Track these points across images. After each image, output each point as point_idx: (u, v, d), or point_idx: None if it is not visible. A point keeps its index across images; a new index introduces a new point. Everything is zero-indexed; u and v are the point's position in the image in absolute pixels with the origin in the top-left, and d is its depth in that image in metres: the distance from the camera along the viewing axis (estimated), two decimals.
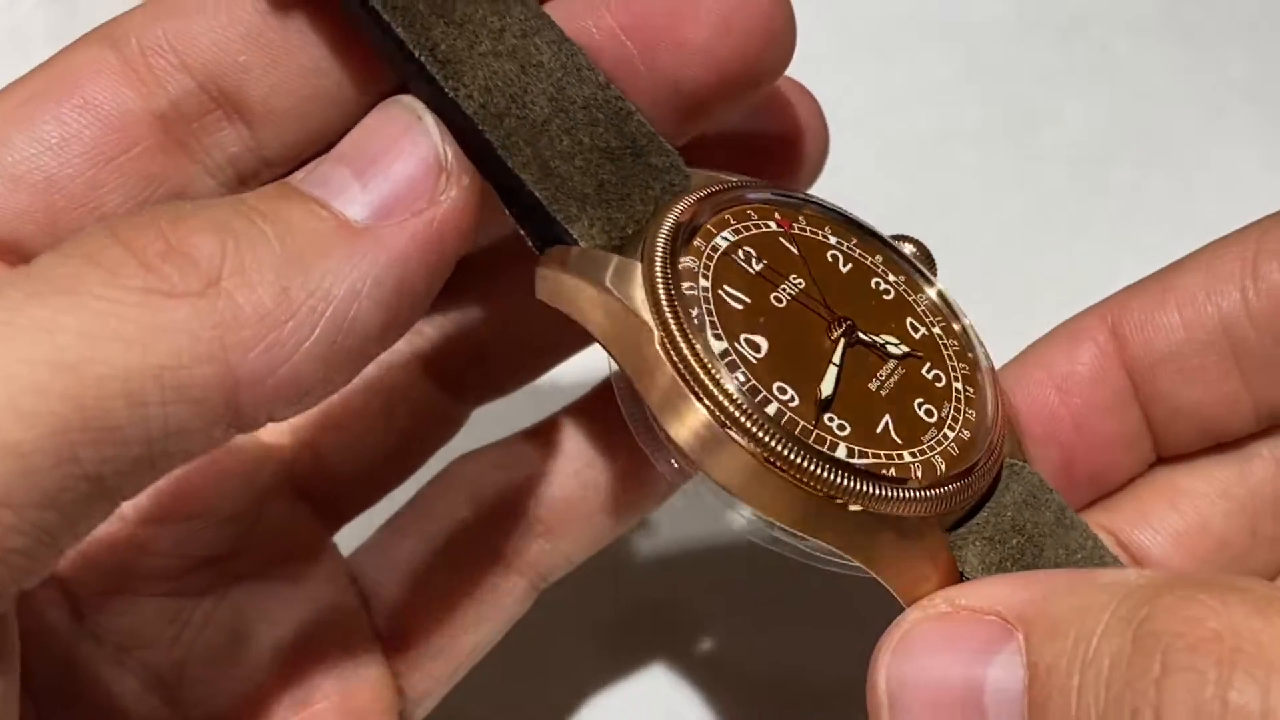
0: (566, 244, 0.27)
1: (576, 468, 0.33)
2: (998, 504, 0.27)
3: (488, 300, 0.34)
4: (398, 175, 0.25)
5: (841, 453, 0.25)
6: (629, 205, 0.27)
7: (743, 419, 0.24)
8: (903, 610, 0.26)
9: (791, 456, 0.24)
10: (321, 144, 0.28)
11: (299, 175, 0.26)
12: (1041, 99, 0.51)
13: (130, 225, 0.23)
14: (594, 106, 0.27)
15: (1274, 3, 0.52)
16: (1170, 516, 0.30)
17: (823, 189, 0.49)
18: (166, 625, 0.30)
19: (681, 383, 0.25)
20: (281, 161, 0.28)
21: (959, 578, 0.26)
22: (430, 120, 0.26)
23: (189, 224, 0.23)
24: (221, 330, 0.23)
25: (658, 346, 0.25)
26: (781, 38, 0.29)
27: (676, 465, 0.26)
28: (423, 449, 0.34)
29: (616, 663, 0.40)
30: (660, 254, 0.26)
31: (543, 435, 0.33)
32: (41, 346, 0.22)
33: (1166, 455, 0.31)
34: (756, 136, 0.32)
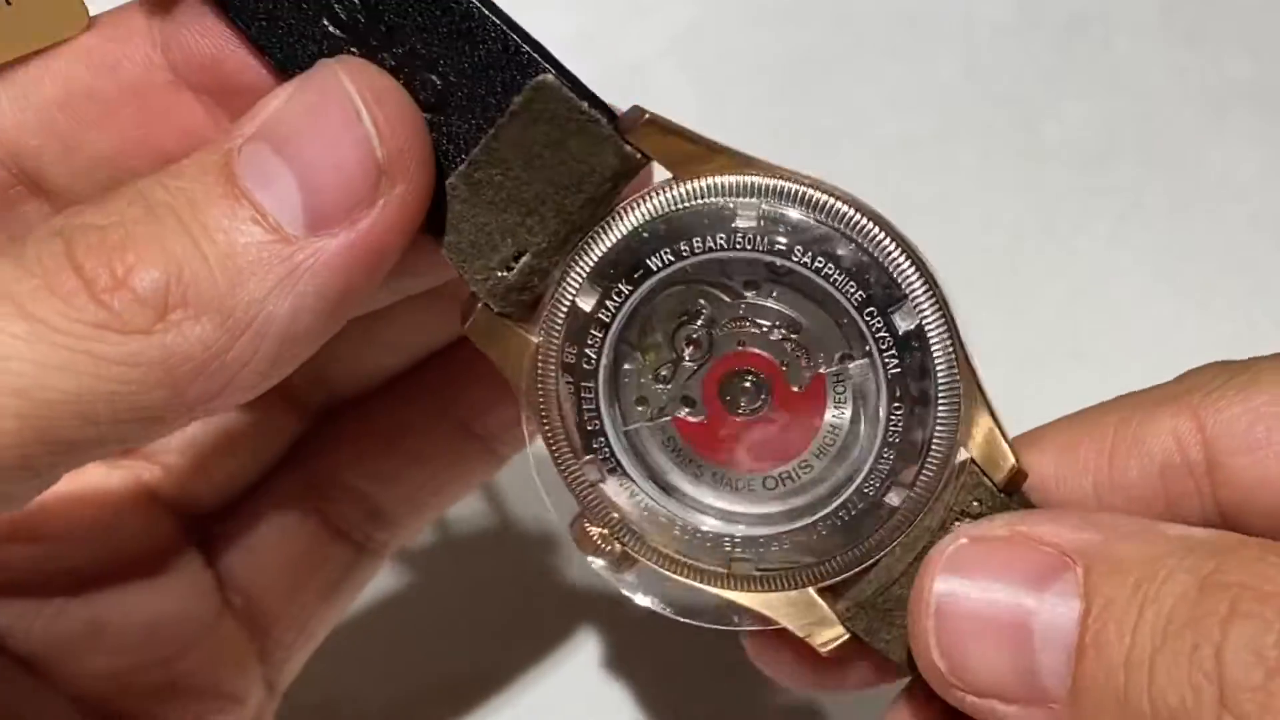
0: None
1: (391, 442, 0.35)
2: None
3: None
4: (333, 178, 0.25)
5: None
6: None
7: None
8: None
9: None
10: None
11: (235, 142, 0.25)
12: (1041, 99, 0.51)
13: (86, 246, 0.25)
14: None
15: (1274, 3, 0.52)
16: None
17: None
18: (21, 619, 0.32)
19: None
20: None
21: None
22: (361, 102, 0.26)
23: (137, 252, 0.24)
24: (169, 362, 0.24)
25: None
26: None
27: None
28: (269, 454, 0.36)
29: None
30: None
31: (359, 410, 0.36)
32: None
33: None
34: None
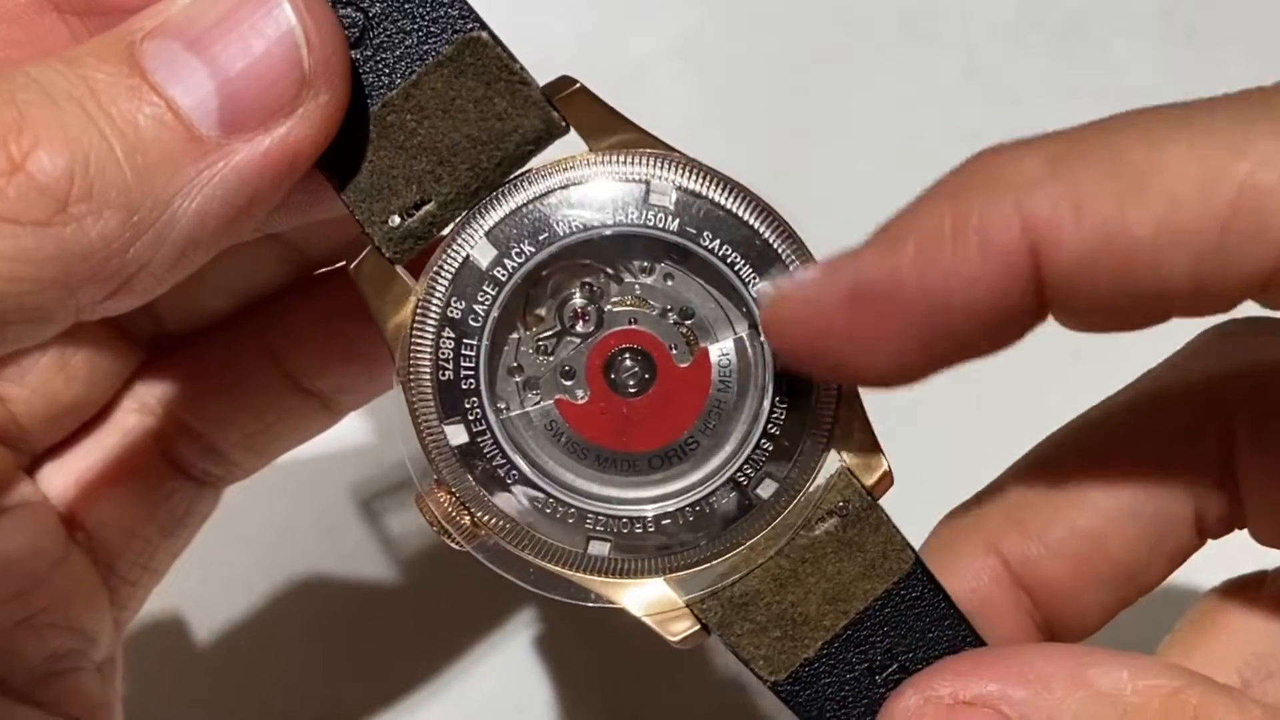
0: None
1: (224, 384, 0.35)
2: None
3: None
4: (254, 81, 0.24)
5: None
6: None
7: None
8: None
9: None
10: None
11: (135, 35, 0.24)
12: (1041, 99, 0.51)
13: None
14: None
15: (1274, 3, 0.52)
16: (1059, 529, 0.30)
17: (823, 190, 0.49)
18: None
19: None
20: None
21: None
22: (290, 6, 0.24)
23: (35, 133, 0.23)
24: (66, 259, 0.23)
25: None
26: None
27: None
28: (105, 387, 0.35)
29: None
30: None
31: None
32: None
33: None
34: None
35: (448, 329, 0.27)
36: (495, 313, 0.27)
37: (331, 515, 0.45)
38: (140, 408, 0.35)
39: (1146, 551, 0.29)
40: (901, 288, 0.24)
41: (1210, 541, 0.30)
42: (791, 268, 0.27)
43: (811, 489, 0.28)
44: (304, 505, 0.45)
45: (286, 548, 0.45)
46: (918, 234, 0.24)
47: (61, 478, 0.34)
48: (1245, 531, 0.30)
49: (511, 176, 0.27)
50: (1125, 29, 0.52)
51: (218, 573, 0.44)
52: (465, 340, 0.27)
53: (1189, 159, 0.23)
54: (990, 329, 0.25)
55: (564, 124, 0.27)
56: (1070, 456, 0.30)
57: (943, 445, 0.44)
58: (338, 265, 0.35)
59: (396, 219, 0.27)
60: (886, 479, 0.28)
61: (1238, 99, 0.24)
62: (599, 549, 0.28)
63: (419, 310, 0.27)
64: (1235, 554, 0.30)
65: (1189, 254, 0.22)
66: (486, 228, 0.27)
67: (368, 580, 0.45)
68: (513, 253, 0.27)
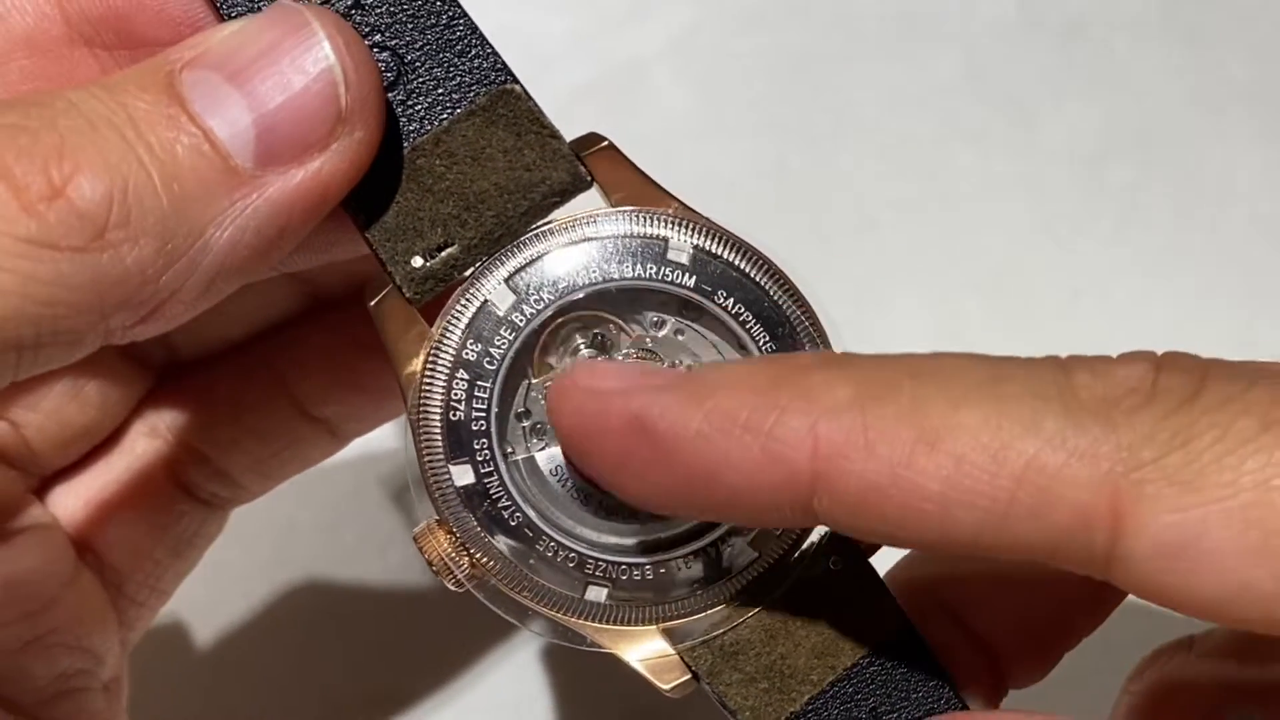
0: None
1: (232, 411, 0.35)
2: None
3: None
4: (292, 115, 0.24)
5: None
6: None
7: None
8: None
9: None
10: None
11: (174, 65, 0.24)
12: (1041, 99, 0.51)
13: (16, 149, 0.22)
14: None
15: (1274, 3, 0.52)
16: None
17: (823, 190, 0.49)
18: None
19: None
20: None
21: None
22: (330, 44, 0.25)
23: (76, 160, 0.23)
24: (101, 285, 0.23)
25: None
26: None
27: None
28: (116, 412, 0.35)
29: None
30: None
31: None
32: None
33: None
34: None
35: (462, 370, 0.27)
36: (510, 357, 0.27)
37: (331, 515, 0.45)
38: (150, 432, 0.35)
39: None
40: (679, 445, 0.24)
41: None
42: (799, 331, 0.28)
43: (805, 545, 0.28)
44: (304, 505, 0.45)
45: (286, 548, 0.45)
46: (715, 406, 0.24)
47: (71, 500, 0.35)
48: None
49: (535, 226, 0.28)
50: (1125, 29, 0.52)
51: (218, 573, 0.44)
52: (479, 382, 0.27)
53: (982, 427, 0.23)
54: (749, 514, 0.25)
55: (589, 179, 0.28)
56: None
57: None
58: (349, 298, 0.35)
59: (419, 260, 0.27)
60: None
61: (1032, 372, 0.24)
62: (596, 595, 0.28)
63: (434, 350, 0.27)
64: None
65: (973, 516, 0.23)
66: (506, 274, 0.27)
67: (367, 580, 0.45)
68: (531, 299, 0.27)
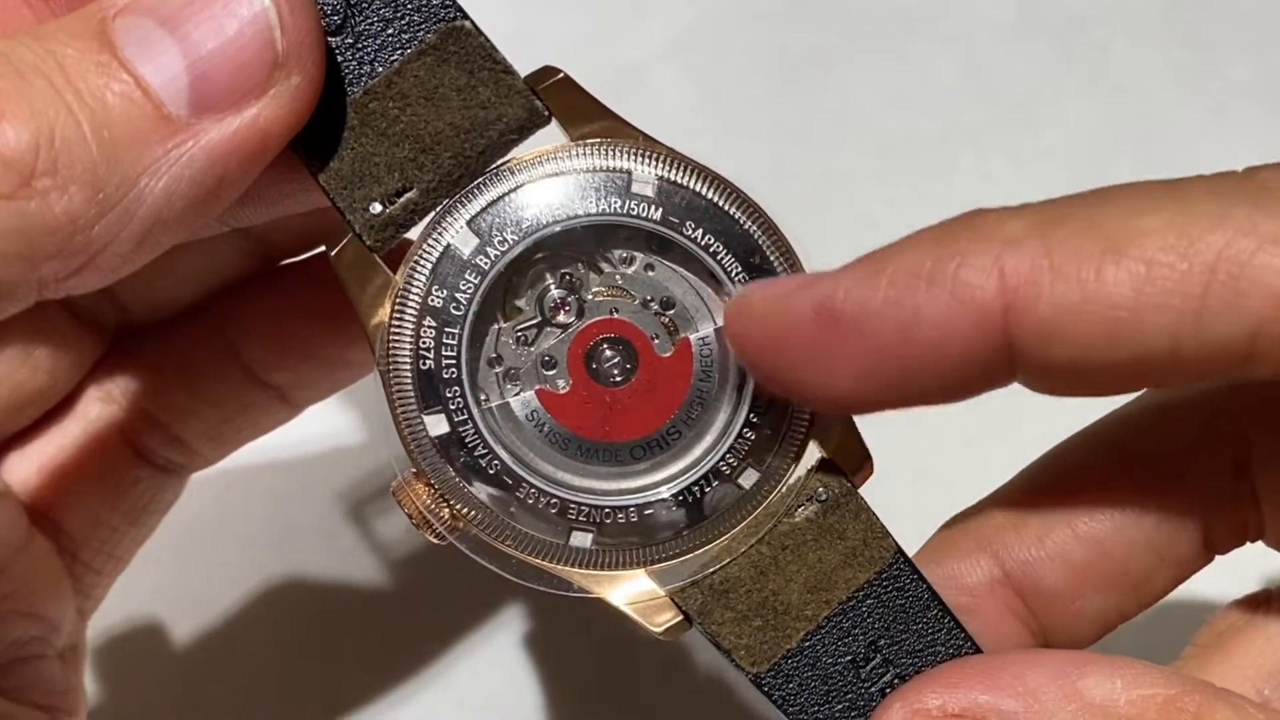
0: None
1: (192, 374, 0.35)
2: None
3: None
4: (225, 61, 0.24)
5: None
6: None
7: None
8: None
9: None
10: None
11: (114, 6, 0.24)
12: (1041, 99, 0.51)
13: None
14: None
15: (1274, 3, 0.52)
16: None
17: (824, 190, 0.49)
18: None
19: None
20: None
21: None
22: None
23: (1, 108, 0.22)
24: (30, 233, 0.23)
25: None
26: None
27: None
28: (68, 377, 0.35)
29: None
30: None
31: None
32: None
33: None
34: None
35: (429, 318, 0.27)
36: (477, 302, 0.27)
37: (328, 517, 0.45)
38: (104, 397, 0.35)
39: (1150, 561, 0.29)
40: (869, 316, 0.24)
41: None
42: (773, 258, 0.27)
43: (793, 478, 0.28)
44: (302, 506, 0.45)
45: (285, 548, 0.45)
46: (896, 268, 0.24)
47: (25, 466, 0.34)
48: (1243, 553, 0.29)
49: (494, 165, 0.27)
50: (1125, 29, 0.52)
51: (217, 573, 0.44)
52: (447, 329, 0.27)
53: (1168, 228, 0.23)
54: (949, 377, 0.25)
55: (547, 113, 0.27)
56: (1077, 464, 0.30)
57: (946, 456, 0.44)
58: (303, 257, 0.35)
59: (378, 206, 0.27)
60: (867, 467, 0.28)
61: (1212, 179, 0.24)
62: (581, 540, 0.27)
63: (399, 298, 0.27)
64: (1235, 574, 0.30)
65: (1168, 319, 0.23)
66: (468, 216, 0.27)
67: (365, 580, 0.45)
68: (495, 242, 0.27)
